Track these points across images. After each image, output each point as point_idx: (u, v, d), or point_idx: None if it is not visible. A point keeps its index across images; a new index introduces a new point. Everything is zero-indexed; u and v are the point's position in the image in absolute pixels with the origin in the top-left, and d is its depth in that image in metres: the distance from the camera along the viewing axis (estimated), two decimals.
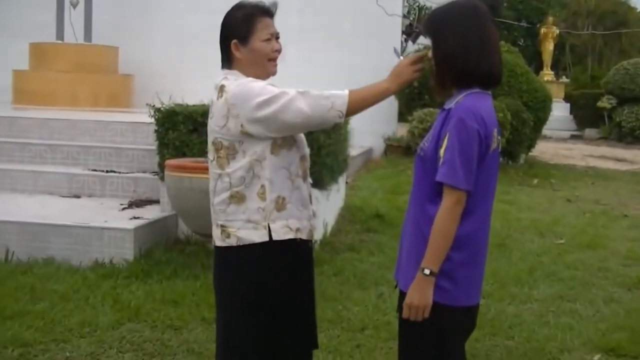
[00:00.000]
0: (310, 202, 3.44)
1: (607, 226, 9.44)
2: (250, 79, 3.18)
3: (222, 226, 3.24)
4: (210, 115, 3.26)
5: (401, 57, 3.20)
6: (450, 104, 2.88)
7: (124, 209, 7.33)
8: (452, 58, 2.86)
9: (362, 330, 5.27)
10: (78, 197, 7.90)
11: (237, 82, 3.15)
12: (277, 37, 3.33)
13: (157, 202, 7.51)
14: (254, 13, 3.26)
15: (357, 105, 3.14)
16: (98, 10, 14.07)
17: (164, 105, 7.06)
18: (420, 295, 2.83)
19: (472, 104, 2.83)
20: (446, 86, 2.95)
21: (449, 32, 2.87)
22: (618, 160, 18.24)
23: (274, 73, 3.31)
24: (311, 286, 3.48)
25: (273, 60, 3.30)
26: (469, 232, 2.86)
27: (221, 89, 3.18)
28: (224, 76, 3.25)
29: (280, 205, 3.20)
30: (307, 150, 3.42)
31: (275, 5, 3.35)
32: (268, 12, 3.30)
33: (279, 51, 3.31)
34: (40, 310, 5.25)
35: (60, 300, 5.46)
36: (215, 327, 3.48)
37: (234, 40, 3.25)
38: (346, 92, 3.14)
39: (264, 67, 3.26)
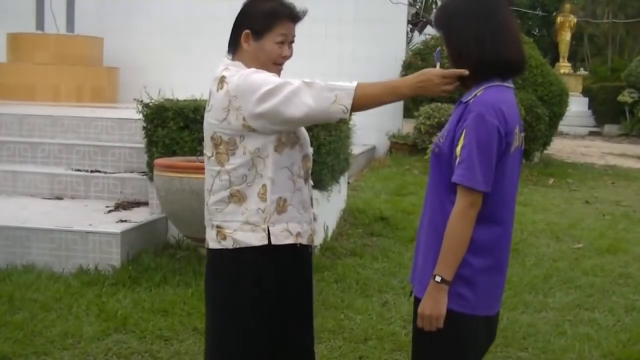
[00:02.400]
0: (312, 204, 3.45)
1: (628, 229, 9.45)
2: (253, 69, 3.18)
3: (217, 227, 3.25)
4: (207, 108, 3.27)
5: (438, 64, 3.17)
6: (468, 97, 2.88)
7: (109, 211, 7.34)
8: (467, 49, 2.86)
9: (365, 340, 5.29)
10: (60, 198, 7.91)
11: (239, 74, 3.15)
12: (292, 42, 3.32)
13: (145, 204, 7.52)
14: (281, 13, 3.25)
15: (364, 101, 3.11)
16: None
17: (152, 100, 7.08)
18: (433, 305, 2.83)
19: (492, 97, 2.82)
20: (466, 80, 2.95)
21: (461, 23, 2.88)
22: None
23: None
24: (310, 294, 3.50)
25: (278, 64, 3.30)
26: (490, 237, 2.86)
27: (221, 80, 3.19)
28: (224, 66, 3.25)
29: (281, 207, 3.21)
30: (310, 150, 3.43)
31: (305, 13, 3.32)
32: (294, 18, 3.29)
33: (287, 57, 3.31)
34: (20, 321, 5.26)
35: (41, 310, 5.47)
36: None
37: (247, 31, 3.24)
38: (354, 84, 3.11)
39: (267, 68, 3.24)
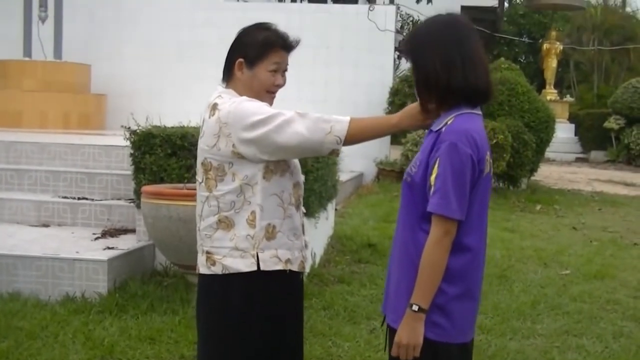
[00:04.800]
0: (303, 232, 3.46)
1: (615, 255, 9.48)
2: (245, 97, 3.22)
3: (207, 253, 3.27)
4: (200, 134, 3.30)
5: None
6: (439, 126, 2.90)
7: (96, 238, 7.31)
8: (434, 76, 2.88)
9: None
10: (47, 226, 7.88)
11: (231, 101, 3.19)
12: (285, 70, 3.37)
13: (132, 231, 7.50)
14: (275, 42, 3.30)
15: (357, 134, 3.16)
16: (68, 26, 14.13)
17: (139, 127, 7.07)
18: (410, 333, 2.84)
19: (463, 126, 2.85)
20: (430, 109, 2.99)
21: (428, 51, 2.91)
22: (627, 184, 18.32)
23: (269, 105, 3.34)
24: (300, 321, 3.50)
25: (271, 93, 3.34)
26: (463, 263, 2.88)
27: (214, 107, 3.22)
28: (218, 94, 3.29)
29: (270, 233, 3.23)
30: (302, 178, 3.45)
31: (298, 42, 3.38)
32: (288, 48, 3.35)
33: (280, 86, 3.35)
34: (5, 349, 5.22)
35: (26, 338, 5.43)
36: None
37: (240, 59, 3.28)
38: (348, 118, 3.16)
39: (260, 97, 3.28)
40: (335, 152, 3.21)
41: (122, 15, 15.14)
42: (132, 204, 7.61)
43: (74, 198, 8.20)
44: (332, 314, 6.39)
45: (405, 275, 2.90)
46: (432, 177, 2.82)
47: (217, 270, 3.24)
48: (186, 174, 6.61)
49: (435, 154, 2.83)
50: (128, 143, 7.13)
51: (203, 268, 3.31)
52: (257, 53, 3.27)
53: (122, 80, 14.69)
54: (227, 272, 3.22)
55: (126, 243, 7.10)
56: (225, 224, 3.22)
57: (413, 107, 3.13)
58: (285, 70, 3.37)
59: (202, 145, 3.26)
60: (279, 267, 3.26)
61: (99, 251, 6.72)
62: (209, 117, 3.23)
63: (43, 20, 13.58)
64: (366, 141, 3.29)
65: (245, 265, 3.20)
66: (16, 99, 12.95)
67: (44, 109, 13.00)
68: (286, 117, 3.11)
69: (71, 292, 6.32)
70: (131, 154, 7.10)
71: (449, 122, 2.87)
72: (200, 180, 3.31)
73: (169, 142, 6.89)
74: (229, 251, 3.22)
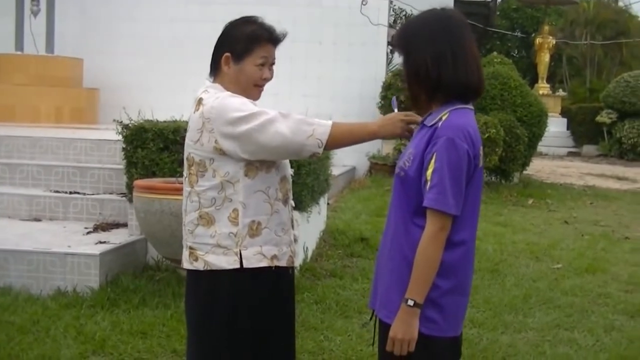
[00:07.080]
0: (292, 226, 3.45)
1: (607, 249, 9.49)
2: (229, 93, 3.20)
3: (190, 248, 3.27)
4: (187, 129, 3.29)
5: (396, 109, 3.23)
6: (433, 121, 2.90)
7: (88, 233, 7.30)
8: (425, 71, 2.88)
9: None
10: (39, 220, 7.87)
11: (215, 96, 3.17)
12: (272, 64, 3.35)
13: (124, 225, 7.49)
14: (261, 36, 3.29)
15: (339, 138, 3.16)
16: (61, 20, 14.08)
17: (132, 121, 7.06)
18: (406, 328, 2.84)
19: (459, 121, 2.85)
20: (420, 102, 2.98)
21: (419, 45, 2.91)
22: (619, 178, 18.34)
23: (256, 99, 3.33)
24: (290, 316, 3.49)
25: (259, 86, 3.33)
26: (457, 258, 2.88)
27: (199, 102, 3.22)
28: (204, 89, 3.28)
29: (254, 230, 3.21)
30: (290, 171, 3.43)
31: (285, 35, 3.36)
32: (275, 41, 3.33)
33: (267, 80, 3.34)
34: None
35: (18, 333, 5.42)
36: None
37: (227, 54, 3.27)
38: (330, 122, 3.15)
39: (247, 91, 3.28)
40: (315, 156, 3.19)
41: (115, 9, 15.08)
42: (124, 198, 7.60)
43: (66, 192, 8.19)
44: (324, 308, 6.39)
45: (398, 270, 2.90)
46: (429, 172, 2.81)
47: (199, 266, 3.24)
48: (178, 168, 6.59)
49: (431, 149, 2.83)
50: (120, 137, 7.13)
51: (186, 263, 3.32)
52: (244, 47, 3.26)
53: (114, 74, 14.65)
54: (209, 268, 3.22)
55: (118, 237, 7.09)
56: (206, 220, 3.22)
57: (394, 116, 3.17)
58: (273, 63, 3.36)
59: (187, 140, 3.27)
60: (264, 264, 3.25)
61: (90, 245, 6.71)
62: (194, 112, 3.23)
63: (35, 14, 13.53)
64: (345, 147, 3.29)
65: (227, 262, 3.20)
66: (8, 93, 12.90)
67: (36, 103, 12.96)
68: (269, 116, 3.10)
69: (63, 287, 6.31)
70: (123, 148, 7.10)
71: (444, 118, 2.87)
72: (185, 175, 3.31)
73: (161, 137, 6.88)
74: (211, 248, 3.21)
